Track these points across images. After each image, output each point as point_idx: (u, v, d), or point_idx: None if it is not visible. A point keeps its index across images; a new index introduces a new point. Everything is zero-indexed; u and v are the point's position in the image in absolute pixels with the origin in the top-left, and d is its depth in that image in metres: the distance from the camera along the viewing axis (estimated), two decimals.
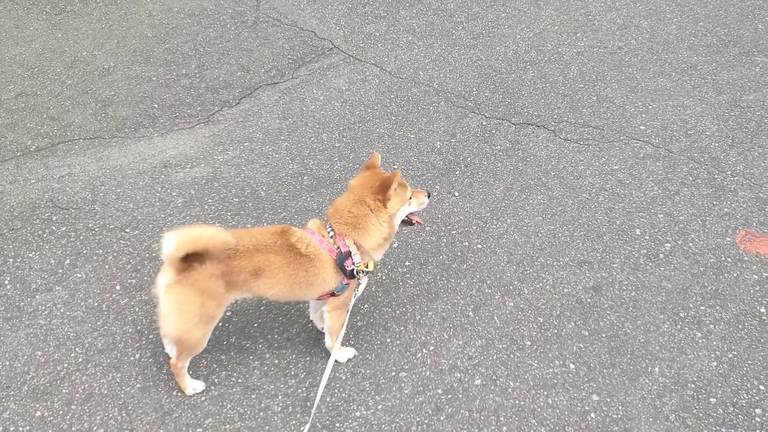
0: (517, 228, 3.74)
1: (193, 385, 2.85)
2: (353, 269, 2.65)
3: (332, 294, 2.74)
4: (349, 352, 3.04)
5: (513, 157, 4.26)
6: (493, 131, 4.47)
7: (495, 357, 3.07)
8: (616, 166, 4.18)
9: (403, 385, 2.94)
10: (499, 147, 4.34)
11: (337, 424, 2.78)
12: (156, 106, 4.67)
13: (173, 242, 2.37)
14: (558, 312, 3.28)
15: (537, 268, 3.50)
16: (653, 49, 5.36)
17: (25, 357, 3.02)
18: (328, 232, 2.69)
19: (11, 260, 3.47)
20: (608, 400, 2.90)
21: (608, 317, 3.26)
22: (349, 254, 2.64)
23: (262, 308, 3.24)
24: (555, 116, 4.61)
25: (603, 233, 3.71)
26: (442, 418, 2.81)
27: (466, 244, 3.65)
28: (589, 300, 3.34)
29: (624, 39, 5.49)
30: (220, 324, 3.14)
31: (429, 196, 2.96)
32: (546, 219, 3.80)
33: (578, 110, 4.67)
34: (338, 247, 2.65)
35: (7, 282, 3.36)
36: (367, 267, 2.70)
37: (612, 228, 3.74)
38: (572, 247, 3.63)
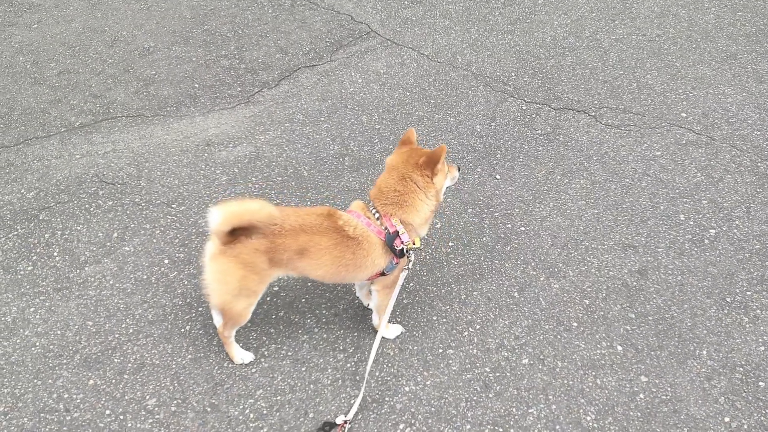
0: (560, 211, 3.74)
1: (241, 356, 2.89)
2: (402, 248, 2.66)
3: (382, 274, 2.75)
4: (397, 329, 3.05)
5: (554, 141, 4.25)
6: (533, 116, 4.47)
7: (542, 337, 3.07)
8: (659, 152, 4.16)
9: (450, 362, 2.96)
10: (539, 131, 4.33)
11: (387, 398, 2.80)
12: (197, 86, 4.70)
13: (218, 216, 2.40)
14: (604, 294, 3.28)
15: (581, 251, 3.50)
16: (692, 38, 5.32)
17: (77, 327, 3.06)
18: (373, 214, 2.69)
19: (59, 233, 3.52)
20: (657, 381, 2.90)
21: (654, 301, 3.26)
22: (397, 234, 2.64)
23: (309, 285, 3.26)
24: (595, 102, 4.59)
25: (647, 218, 3.70)
26: (490, 395, 2.83)
27: (510, 226, 3.65)
28: (634, 283, 3.34)
29: (662, 27, 5.45)
30: (269, 298, 3.17)
31: (459, 170, 2.96)
32: (589, 203, 3.79)
33: (619, 96, 4.65)
34: (386, 228, 2.65)
35: (56, 254, 3.40)
36: (414, 244, 2.70)
37: (656, 213, 3.73)
38: (616, 231, 3.62)
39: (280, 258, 2.57)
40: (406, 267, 2.79)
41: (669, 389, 2.87)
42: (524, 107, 4.55)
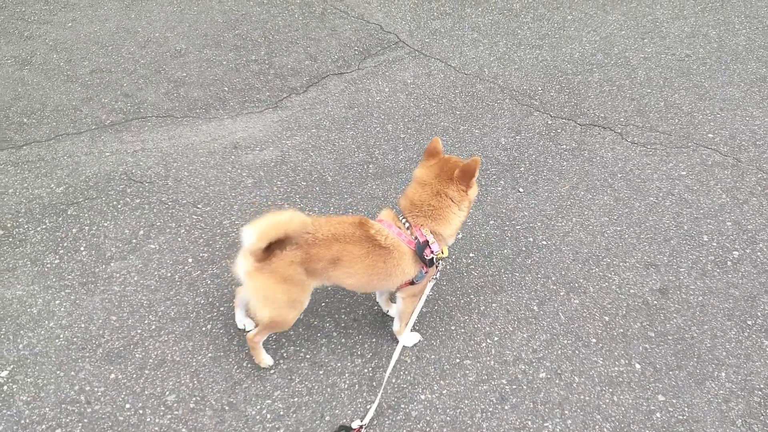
0: (583, 227, 3.74)
1: (268, 360, 2.91)
2: (432, 257, 2.68)
3: (411, 283, 2.77)
4: (415, 337, 3.07)
5: (579, 157, 4.25)
6: (559, 130, 4.47)
7: (560, 352, 3.07)
8: (684, 171, 4.15)
9: (467, 372, 2.97)
10: (564, 146, 4.33)
11: (403, 405, 2.81)
12: (226, 89, 4.76)
13: (254, 234, 2.39)
14: (624, 312, 3.27)
15: (603, 268, 3.50)
16: (722, 59, 5.29)
17: (100, 321, 3.11)
18: (404, 223, 2.70)
19: (86, 228, 3.58)
20: (674, 401, 2.89)
21: (675, 320, 3.24)
22: (427, 243, 2.66)
23: (329, 289, 3.29)
24: (622, 119, 4.59)
25: (670, 237, 3.69)
26: (506, 408, 2.83)
27: (531, 239, 3.66)
28: (655, 302, 3.33)
29: (692, 47, 5.43)
30: None
31: None
32: (612, 220, 3.79)
33: (645, 114, 4.64)
34: (416, 238, 2.66)
35: (83, 248, 3.46)
36: (443, 254, 2.72)
37: (679, 233, 3.72)
38: (639, 249, 3.61)
39: (315, 268, 2.57)
40: (435, 276, 2.81)
41: (686, 409, 2.86)
42: (550, 122, 4.56)
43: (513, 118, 4.59)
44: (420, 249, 2.65)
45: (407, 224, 2.69)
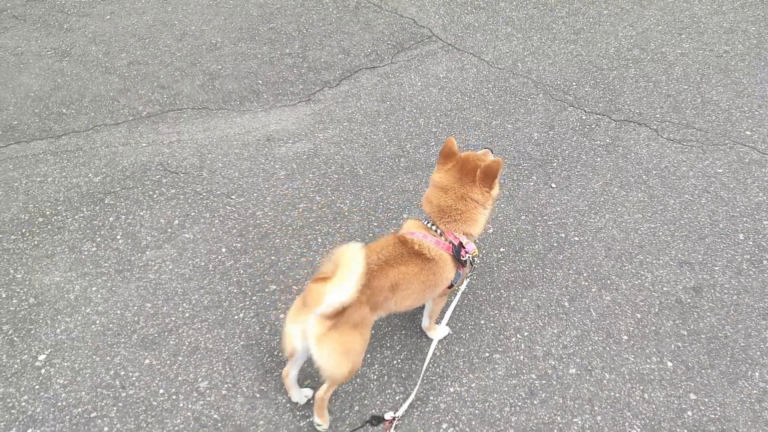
0: (616, 224, 3.71)
1: (327, 417, 2.69)
2: (468, 257, 2.66)
3: (450, 286, 2.75)
4: (445, 330, 3.08)
5: (613, 153, 4.21)
6: (593, 126, 4.43)
7: (590, 348, 3.06)
8: (720, 169, 4.08)
9: (496, 366, 2.97)
10: (598, 142, 4.30)
11: (432, 397, 2.82)
12: (260, 82, 4.81)
13: (351, 288, 2.20)
14: (657, 309, 3.24)
15: (636, 265, 3.47)
16: (761, 55, 5.19)
17: (135, 308, 3.17)
18: (435, 231, 2.66)
19: (123, 217, 3.65)
20: (706, 400, 2.86)
21: (708, 319, 3.20)
22: (461, 245, 2.64)
23: None
24: (657, 115, 4.53)
25: (705, 235, 3.64)
26: (535, 402, 2.83)
27: (563, 235, 3.64)
28: (689, 300, 3.29)
29: (730, 43, 5.34)
30: None
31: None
32: (646, 217, 3.75)
33: (681, 111, 4.58)
34: (450, 242, 2.63)
35: (119, 237, 3.53)
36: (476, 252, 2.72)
37: (714, 231, 3.67)
38: (673, 247, 3.57)
39: (377, 300, 2.46)
40: (470, 274, 2.80)
41: (718, 408, 2.82)
42: (584, 117, 4.52)
43: (546, 113, 4.56)
44: (457, 252, 2.63)
45: (438, 231, 2.65)
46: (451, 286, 2.75)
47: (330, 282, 2.23)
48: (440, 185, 2.68)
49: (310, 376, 2.86)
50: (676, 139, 4.32)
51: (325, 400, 2.60)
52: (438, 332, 3.05)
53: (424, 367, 2.71)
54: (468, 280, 2.82)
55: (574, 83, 4.86)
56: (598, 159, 4.16)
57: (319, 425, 2.64)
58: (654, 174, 4.04)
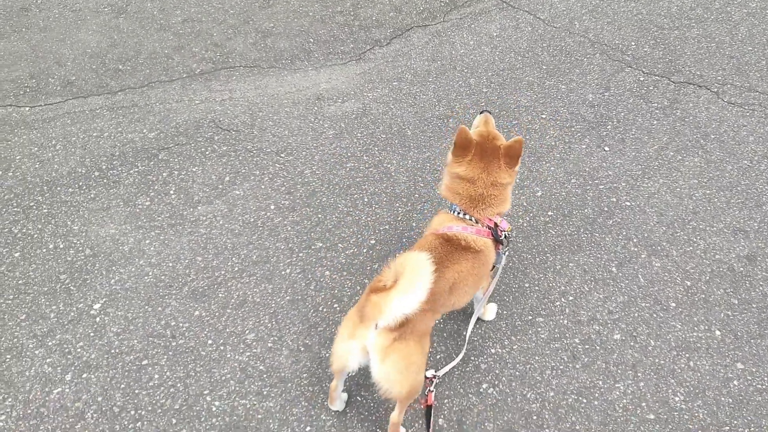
0: (670, 189, 3.61)
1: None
2: (505, 234, 2.59)
3: (492, 268, 2.68)
4: (494, 308, 3.02)
5: (670, 116, 4.08)
6: (651, 88, 4.30)
7: (636, 314, 3.01)
8: None
9: (539, 329, 2.96)
10: (656, 105, 4.17)
11: (473, 358, 2.84)
12: (312, 40, 4.80)
13: (421, 295, 2.06)
14: (707, 277, 3.16)
15: (688, 232, 3.38)
16: None
17: (186, 261, 3.26)
18: (469, 219, 2.55)
19: (176, 172, 3.73)
20: (754, 370, 2.80)
21: (761, 288, 3.11)
22: (496, 226, 2.57)
23: (403, 241, 3.32)
24: (719, 78, 4.36)
25: (763, 203, 3.52)
26: (577, 366, 2.81)
27: (614, 199, 3.57)
28: (741, 269, 3.20)
29: None
30: (365, 250, 3.27)
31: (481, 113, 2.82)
32: (702, 182, 3.64)
33: (745, 73, 4.39)
34: (488, 227, 2.55)
35: (172, 192, 3.62)
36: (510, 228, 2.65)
37: None
38: (728, 214, 3.47)
39: (438, 305, 2.37)
40: (505, 250, 2.70)
41: (766, 379, 2.76)
42: (642, 78, 4.38)
43: (602, 74, 4.43)
44: (496, 234, 2.56)
45: (473, 219, 2.55)
46: (492, 268, 2.69)
47: (393, 291, 2.07)
48: (465, 177, 2.54)
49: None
50: (738, 103, 4.16)
51: (399, 424, 2.47)
52: (489, 312, 3.00)
53: (468, 333, 2.72)
54: (505, 257, 2.75)
55: (632, 43, 4.70)
56: (655, 122, 4.04)
57: None
58: (712, 138, 3.91)
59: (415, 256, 2.10)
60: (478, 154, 2.52)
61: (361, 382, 2.73)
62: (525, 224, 3.45)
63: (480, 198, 2.53)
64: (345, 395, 2.67)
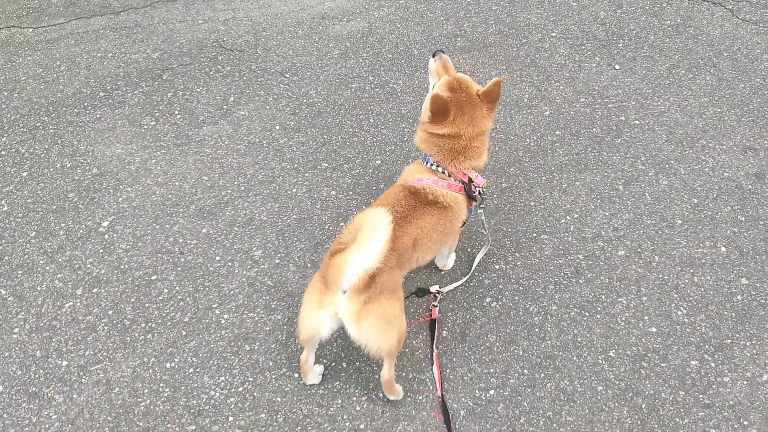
0: (680, 107, 3.56)
1: (399, 389, 2.46)
2: (479, 191, 2.49)
3: (463, 224, 2.60)
4: (452, 259, 2.90)
5: (683, 33, 3.98)
6: (664, 5, 4.18)
7: (642, 231, 3.02)
8: None
9: (543, 246, 2.98)
10: (668, 22, 4.06)
11: (476, 273, 2.87)
12: None
13: (363, 266, 2.01)
14: (715, 195, 3.15)
15: (697, 150, 3.35)
16: None
17: (193, 180, 3.27)
18: (441, 171, 2.44)
19: (180, 93, 3.71)
20: (758, 285, 2.81)
21: None
22: (470, 181, 2.47)
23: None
24: None
25: None
26: (580, 281, 2.84)
27: (623, 118, 3.52)
28: (750, 186, 3.18)
29: None
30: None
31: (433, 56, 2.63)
32: (712, 101, 3.58)
33: None
34: (461, 181, 2.45)
35: (177, 112, 3.61)
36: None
37: None
38: (738, 132, 3.42)
39: (404, 260, 2.31)
40: (481, 207, 2.63)
41: None
42: None
43: None
44: (469, 190, 2.46)
45: (446, 172, 2.44)
46: (463, 224, 2.61)
47: (351, 247, 2.00)
48: (451, 135, 2.41)
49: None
50: (753, 20, 4.05)
51: (392, 379, 2.37)
52: (449, 263, 2.90)
53: (474, 264, 2.73)
54: (482, 213, 2.70)
55: None
56: (667, 40, 3.95)
57: (395, 399, 2.46)
58: (725, 56, 3.83)
59: (373, 212, 2.05)
60: (462, 111, 2.39)
61: None
62: (532, 144, 3.42)
63: (462, 149, 2.41)
64: (320, 368, 2.51)
